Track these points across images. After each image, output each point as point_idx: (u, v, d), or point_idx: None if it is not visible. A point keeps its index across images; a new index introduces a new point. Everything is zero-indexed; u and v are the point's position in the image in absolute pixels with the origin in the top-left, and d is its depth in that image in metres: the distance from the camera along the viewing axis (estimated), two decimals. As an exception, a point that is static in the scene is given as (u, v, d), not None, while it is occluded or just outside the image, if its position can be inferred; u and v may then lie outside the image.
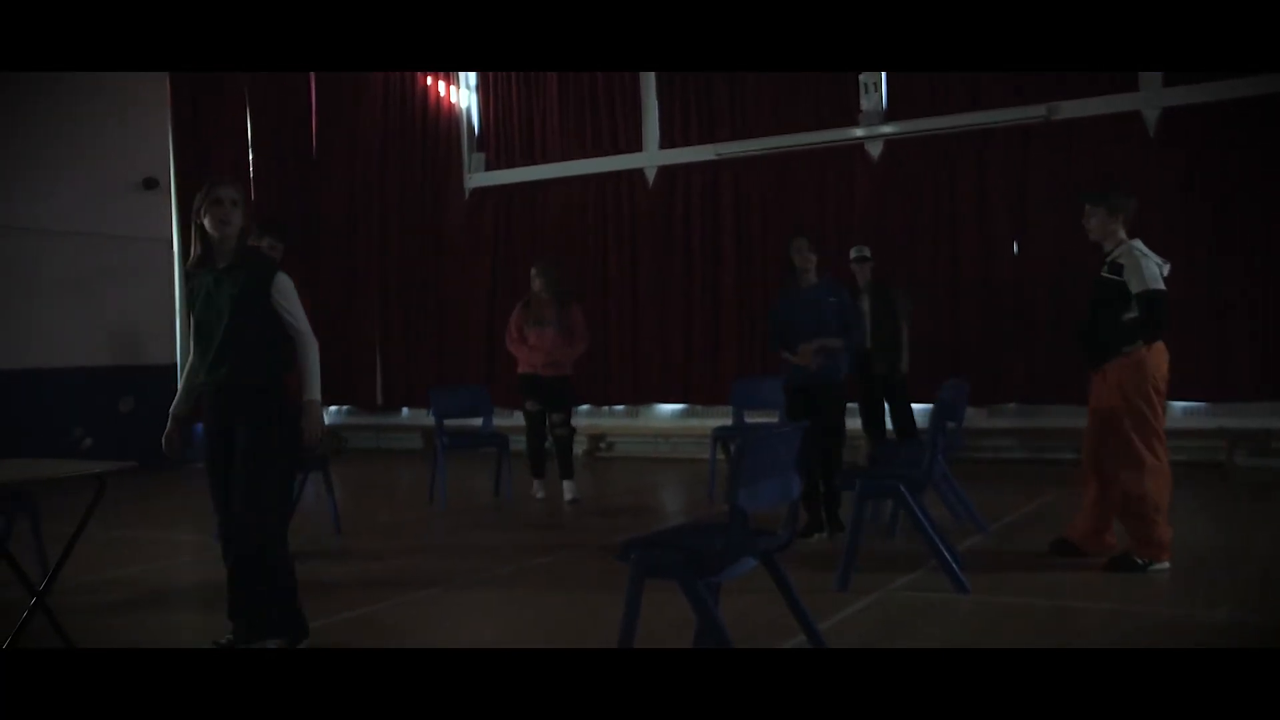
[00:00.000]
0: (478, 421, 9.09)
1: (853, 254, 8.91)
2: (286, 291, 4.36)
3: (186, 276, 4.56)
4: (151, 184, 11.65)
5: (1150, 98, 9.54)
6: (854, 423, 8.49)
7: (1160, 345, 5.50)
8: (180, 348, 11.65)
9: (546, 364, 8.35)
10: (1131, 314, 5.42)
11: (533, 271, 8.59)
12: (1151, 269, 5.43)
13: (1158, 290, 5.40)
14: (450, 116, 12.82)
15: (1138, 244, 5.57)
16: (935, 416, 5.68)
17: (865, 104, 10.51)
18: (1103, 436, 5.59)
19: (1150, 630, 4.40)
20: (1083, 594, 5.00)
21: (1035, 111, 9.81)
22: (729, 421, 9.00)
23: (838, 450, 6.84)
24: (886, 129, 10.48)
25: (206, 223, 4.30)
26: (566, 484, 8.46)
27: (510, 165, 12.51)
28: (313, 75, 13.32)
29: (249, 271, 4.35)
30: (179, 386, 4.60)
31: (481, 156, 12.73)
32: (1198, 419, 9.42)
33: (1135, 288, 5.40)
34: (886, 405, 8.84)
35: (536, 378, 8.39)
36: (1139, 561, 5.41)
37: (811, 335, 6.61)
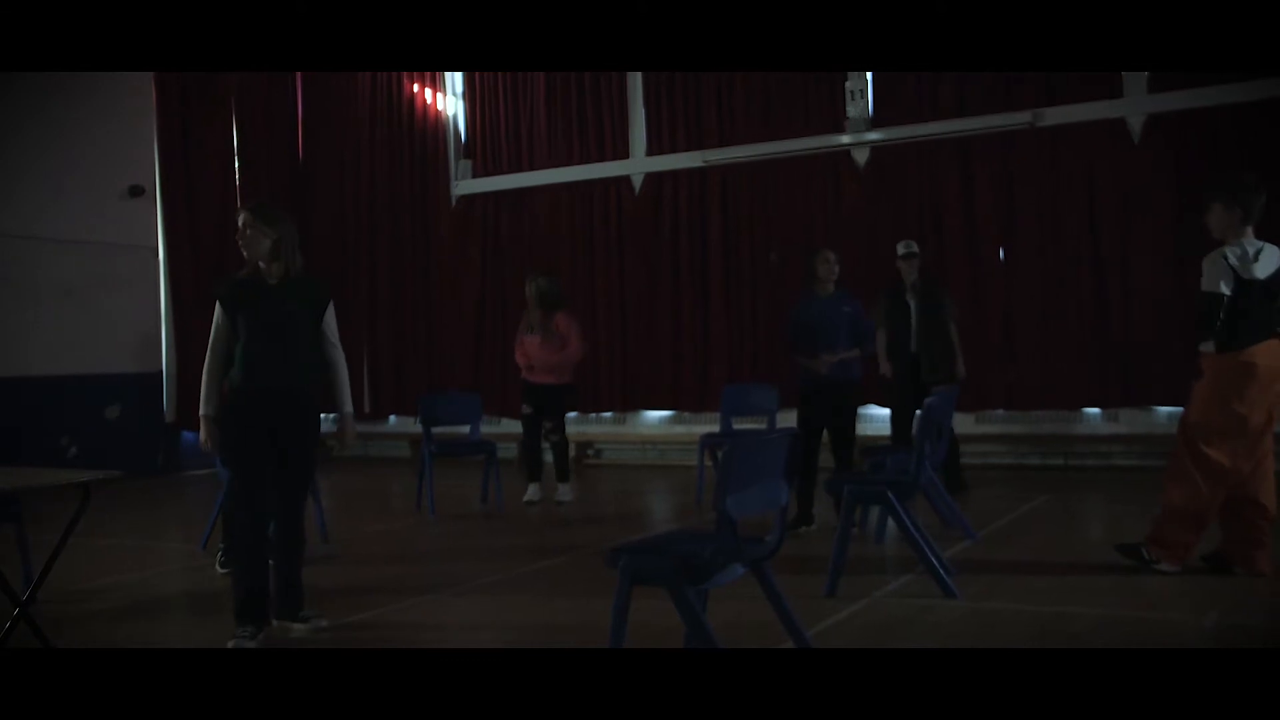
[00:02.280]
0: (465, 429, 9.08)
1: (900, 249, 8.37)
2: (331, 311, 5.02)
3: (225, 286, 4.86)
4: (137, 192, 11.61)
5: (1134, 104, 9.59)
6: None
7: (1234, 360, 5.18)
8: (168, 355, 11.63)
9: (534, 370, 8.56)
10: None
11: (534, 279, 8.78)
12: (1214, 271, 5.17)
13: (1212, 293, 5.16)
14: (437, 123, 12.81)
15: (1240, 244, 5.20)
16: (923, 423, 5.69)
17: (851, 111, 10.54)
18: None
19: (1140, 635, 4.40)
20: (1071, 600, 5.00)
21: (1020, 118, 9.85)
22: (717, 428, 9.01)
23: (850, 449, 7.20)
24: (873, 136, 10.50)
25: (244, 245, 4.79)
26: (561, 486, 8.70)
27: (497, 172, 12.50)
28: (300, 83, 13.30)
29: (314, 291, 4.95)
30: (208, 387, 4.81)
31: (468, 163, 12.72)
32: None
33: (1202, 288, 5.22)
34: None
35: (528, 385, 8.65)
36: (1145, 555, 5.40)
37: (827, 342, 7.06)
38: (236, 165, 12.61)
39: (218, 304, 4.79)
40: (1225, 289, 5.15)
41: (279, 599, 4.84)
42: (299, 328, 4.83)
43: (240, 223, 4.82)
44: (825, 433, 7.17)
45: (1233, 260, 5.16)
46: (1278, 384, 5.21)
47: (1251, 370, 5.15)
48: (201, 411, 4.82)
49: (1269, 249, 5.23)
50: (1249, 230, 5.24)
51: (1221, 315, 5.16)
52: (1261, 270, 5.16)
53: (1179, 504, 5.32)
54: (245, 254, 4.80)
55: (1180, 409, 9.24)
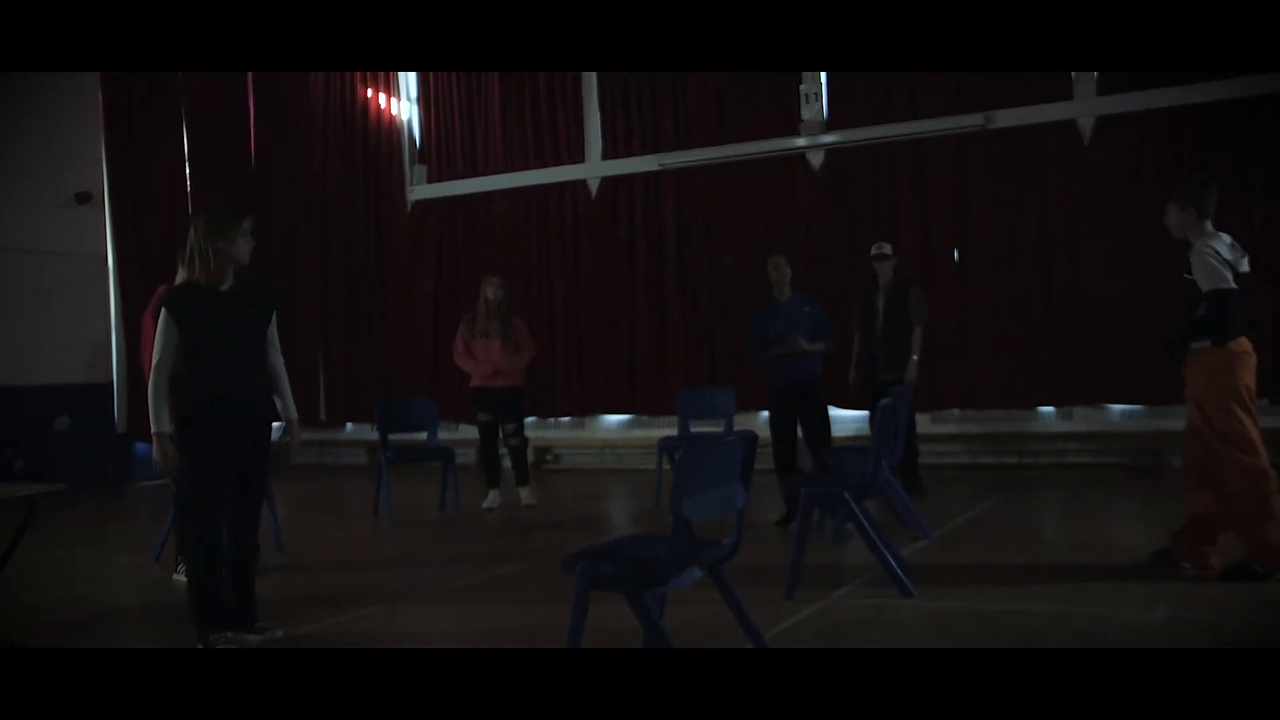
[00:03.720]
0: (423, 435, 9.02)
1: (873, 251, 8.42)
2: (274, 320, 4.91)
3: (182, 293, 4.73)
4: (84, 198, 11.43)
5: (1084, 106, 9.71)
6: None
7: (1236, 348, 5.21)
8: (119, 365, 11.42)
9: (494, 375, 8.45)
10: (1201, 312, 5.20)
11: (496, 281, 8.62)
12: (1212, 268, 5.13)
13: (1224, 289, 5.11)
14: (391, 128, 12.73)
15: (1216, 238, 5.25)
16: (879, 423, 5.71)
17: (806, 114, 10.58)
18: (1192, 446, 5.36)
19: (1092, 631, 4.44)
20: (1025, 598, 5.04)
21: (973, 120, 9.94)
22: (675, 431, 9.01)
23: (827, 436, 7.61)
24: (828, 138, 10.56)
25: (238, 250, 4.68)
26: (523, 490, 8.64)
27: (453, 177, 12.44)
28: (251, 86, 13.15)
29: (266, 298, 4.85)
30: (161, 406, 4.61)
31: (423, 169, 12.65)
32: (1137, 422, 9.56)
33: (1205, 287, 5.16)
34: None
35: (487, 390, 8.49)
36: (1257, 570, 5.09)
37: (784, 341, 7.39)
38: (187, 170, 12.44)
39: (167, 315, 4.62)
40: (1232, 282, 5.15)
41: (234, 611, 4.77)
42: (255, 336, 4.78)
43: (248, 228, 4.74)
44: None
45: (1226, 254, 5.18)
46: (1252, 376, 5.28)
47: (1247, 361, 5.23)
48: (156, 429, 4.61)
49: (1235, 242, 5.29)
50: (1208, 225, 5.29)
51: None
52: (1246, 263, 5.23)
53: (1254, 504, 5.10)
54: (246, 260, 4.75)
55: (1131, 406, 9.57)
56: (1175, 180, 5.57)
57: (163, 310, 4.67)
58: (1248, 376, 5.22)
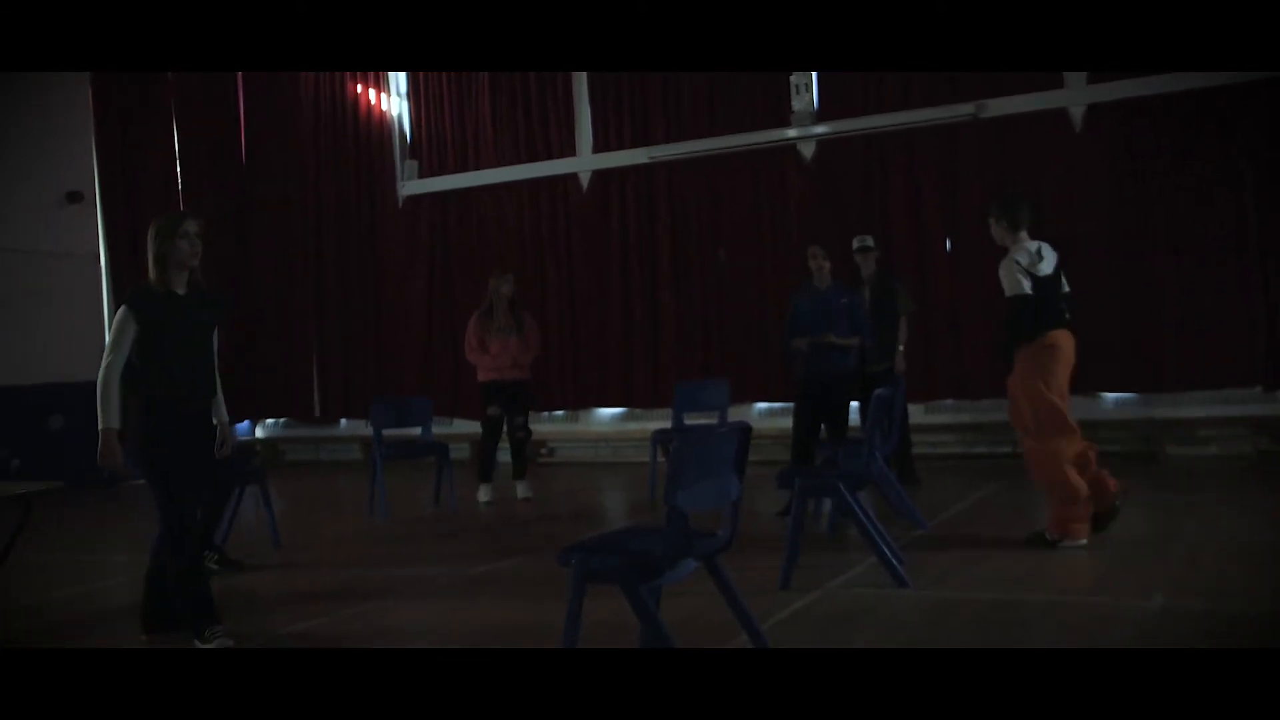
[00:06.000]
0: (417, 431, 9.02)
1: (855, 244, 8.43)
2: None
3: (145, 293, 4.69)
4: (75, 198, 11.41)
5: (1075, 95, 9.72)
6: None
7: (1041, 344, 5.83)
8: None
9: (511, 368, 8.58)
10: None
11: (511, 278, 8.75)
12: (1013, 277, 5.83)
13: (1019, 295, 5.82)
14: (382, 124, 12.72)
15: (1022, 248, 5.92)
16: (873, 414, 5.73)
17: (797, 105, 10.58)
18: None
19: (1087, 620, 4.46)
20: (1020, 587, 5.07)
21: (964, 110, 9.95)
22: (669, 424, 9.02)
23: (844, 434, 7.53)
24: (819, 129, 10.56)
25: (182, 252, 4.64)
26: (519, 484, 8.73)
27: (444, 172, 12.43)
28: (241, 85, 13.13)
29: (216, 304, 4.88)
30: (113, 401, 4.59)
31: (414, 164, 12.63)
32: (1130, 410, 9.60)
33: (1006, 294, 5.89)
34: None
35: (500, 382, 8.59)
36: (1048, 538, 5.79)
37: (824, 332, 7.39)
38: (179, 169, 12.42)
39: (128, 312, 4.61)
40: (1028, 289, 5.82)
41: (168, 611, 4.77)
42: (209, 339, 4.82)
43: (196, 231, 4.70)
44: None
45: (1024, 262, 5.86)
46: (1070, 368, 5.92)
47: (1055, 352, 5.85)
48: (105, 425, 4.56)
49: (1046, 247, 5.97)
50: (1023, 235, 5.99)
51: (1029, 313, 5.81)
52: (1047, 266, 5.90)
53: (1058, 483, 5.76)
54: (193, 261, 4.70)
55: (1111, 397, 9.61)
56: (994, 196, 6.46)
57: (121, 307, 4.67)
58: (1056, 366, 5.86)
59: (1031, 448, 5.87)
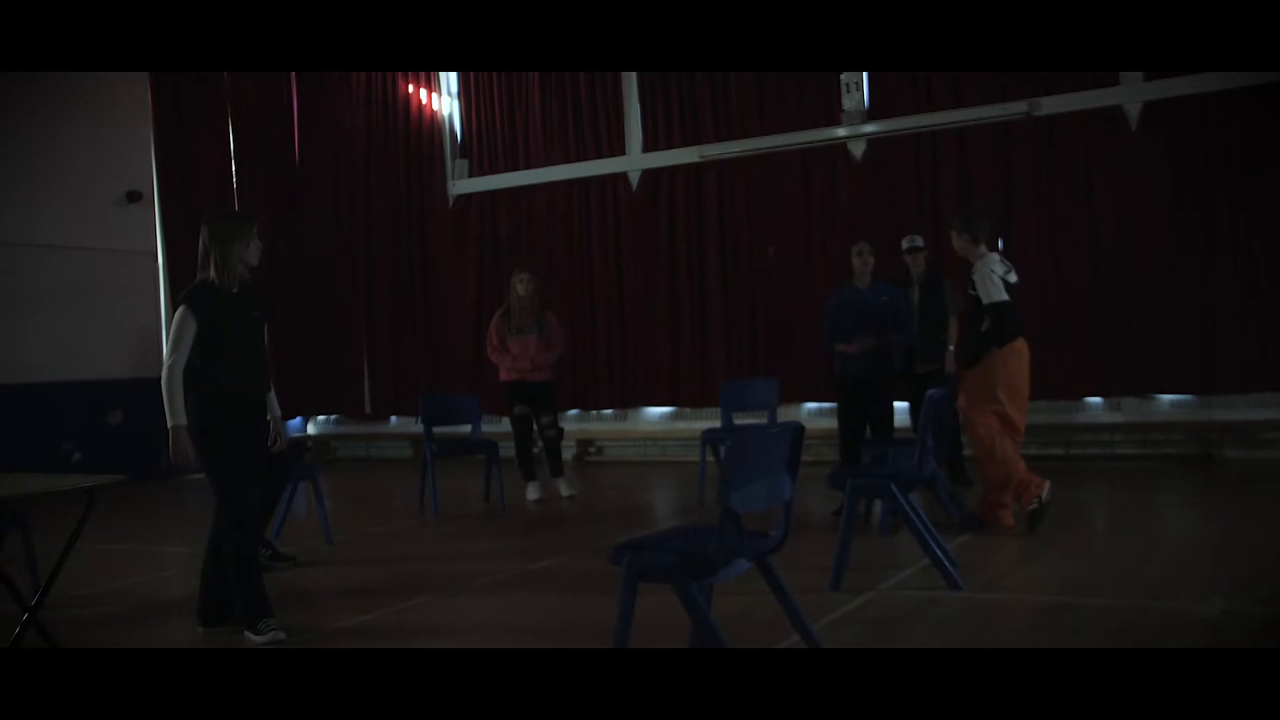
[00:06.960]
0: (467, 428, 9.08)
1: (904, 244, 8.38)
2: None
3: (203, 292, 4.80)
4: (135, 197, 11.62)
5: (1131, 92, 9.58)
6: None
7: (1010, 350, 6.26)
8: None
9: (532, 369, 8.51)
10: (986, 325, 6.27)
11: (525, 277, 8.67)
12: (992, 284, 6.20)
13: (1000, 302, 6.20)
14: (433, 123, 12.81)
15: (994, 257, 6.39)
16: (925, 415, 5.69)
17: (847, 103, 10.52)
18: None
19: (1144, 624, 4.40)
20: (1075, 590, 5.01)
21: (1017, 108, 9.84)
22: (718, 423, 9.01)
23: (890, 432, 7.58)
24: (869, 128, 10.50)
25: (249, 254, 4.88)
26: (560, 482, 8.72)
27: (494, 171, 12.49)
28: (294, 84, 13.29)
29: (264, 302, 5.06)
30: (179, 400, 4.71)
31: (465, 163, 12.71)
32: (1187, 411, 9.46)
33: (985, 301, 6.23)
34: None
35: (522, 383, 8.54)
36: (971, 523, 6.35)
37: (864, 331, 7.39)
38: (234, 168, 12.61)
39: (188, 311, 4.70)
40: (1005, 295, 6.21)
41: (224, 605, 4.89)
42: (261, 335, 4.98)
43: (255, 232, 4.92)
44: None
45: (1000, 271, 6.27)
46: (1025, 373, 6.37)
47: (1021, 358, 6.32)
48: (174, 423, 4.66)
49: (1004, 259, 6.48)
50: (983, 248, 6.43)
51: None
52: (1013, 276, 6.36)
53: (998, 475, 6.26)
54: (255, 262, 4.93)
55: (1180, 396, 9.46)
56: (958, 209, 7.03)
57: (181, 306, 4.76)
58: (1023, 370, 6.35)
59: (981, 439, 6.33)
